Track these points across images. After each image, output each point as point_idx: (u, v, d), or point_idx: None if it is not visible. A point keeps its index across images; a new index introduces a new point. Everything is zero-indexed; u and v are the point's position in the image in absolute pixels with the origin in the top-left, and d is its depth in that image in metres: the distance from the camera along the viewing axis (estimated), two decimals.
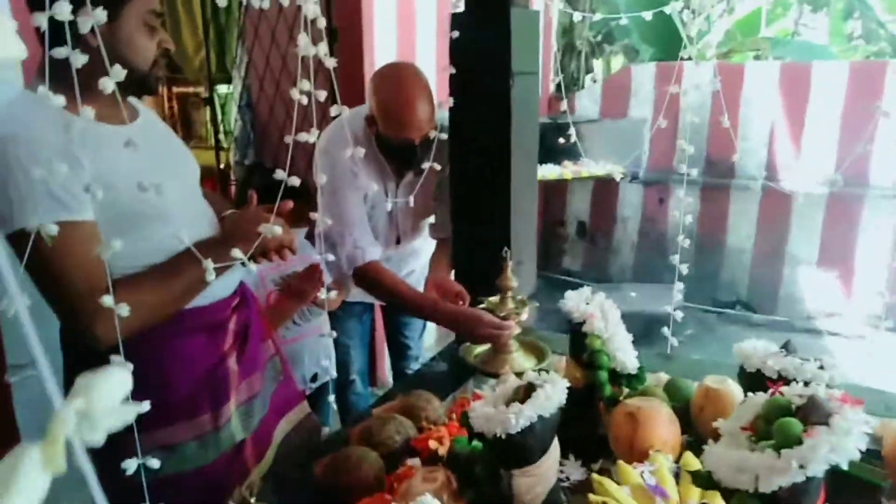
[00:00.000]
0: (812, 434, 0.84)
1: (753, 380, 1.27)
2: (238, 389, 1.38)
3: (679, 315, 2.07)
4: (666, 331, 1.97)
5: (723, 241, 4.42)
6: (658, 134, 4.57)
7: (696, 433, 1.41)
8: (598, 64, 6.27)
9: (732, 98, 4.13)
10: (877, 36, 5.90)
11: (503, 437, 1.06)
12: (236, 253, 1.14)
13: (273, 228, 1.16)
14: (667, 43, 4.82)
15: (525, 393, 1.12)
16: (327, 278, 1.90)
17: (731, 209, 4.33)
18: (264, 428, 1.47)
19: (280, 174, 1.20)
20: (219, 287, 1.32)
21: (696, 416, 1.44)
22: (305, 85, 1.20)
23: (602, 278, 4.73)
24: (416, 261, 2.42)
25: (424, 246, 2.45)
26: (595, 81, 5.19)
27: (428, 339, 2.88)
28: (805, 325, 4.15)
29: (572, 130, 2.17)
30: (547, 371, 1.57)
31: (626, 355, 1.41)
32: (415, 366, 2.60)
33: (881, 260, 3.98)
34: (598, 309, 1.44)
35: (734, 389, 1.42)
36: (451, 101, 1.76)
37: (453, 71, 1.77)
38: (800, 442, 0.85)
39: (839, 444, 0.82)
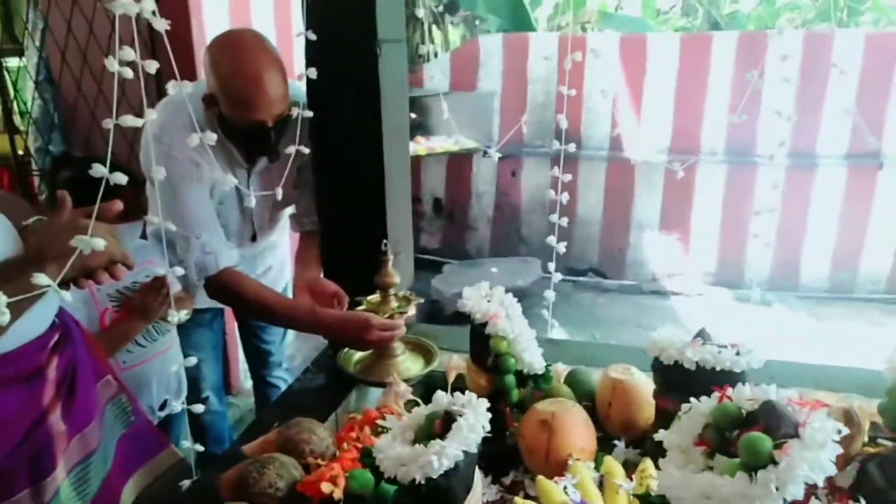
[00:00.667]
0: (785, 451, 0.74)
1: (671, 372, 1.19)
2: (67, 452, 1.07)
3: (552, 295, 2.00)
4: (545, 314, 1.88)
5: (573, 211, 4.52)
6: (507, 107, 4.57)
7: (604, 429, 1.33)
8: (437, 35, 6.15)
9: (576, 69, 4.18)
10: (694, 10, 6.33)
11: (422, 481, 0.88)
12: (42, 279, 0.84)
13: (92, 242, 0.87)
14: (512, 13, 4.79)
15: (443, 424, 0.94)
16: (174, 287, 1.59)
17: (579, 180, 4.43)
18: (107, 490, 1.17)
19: (99, 169, 0.91)
20: (27, 325, 1.00)
21: (603, 411, 1.35)
22: (128, 54, 0.91)
23: (460, 255, 4.68)
24: (273, 256, 2.14)
25: (282, 238, 2.18)
26: (437, 55, 5.07)
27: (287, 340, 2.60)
28: (651, 286, 4.37)
29: (444, 106, 2.00)
30: (461, 391, 1.42)
31: (532, 355, 1.28)
32: (279, 373, 2.34)
33: (713, 221, 4.27)
34: (500, 306, 1.30)
35: (641, 380, 1.36)
36: (308, 74, 1.51)
37: (312, 37, 1.52)
38: (772, 460, 0.75)
39: (816, 460, 0.73)
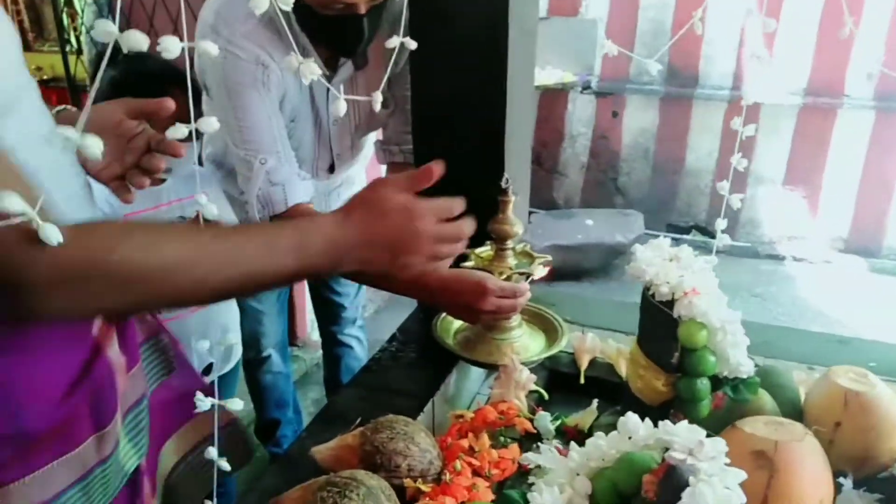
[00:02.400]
0: None
1: None
2: (122, 393, 0.80)
3: (713, 261, 1.56)
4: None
5: (682, 158, 3.97)
6: (613, 36, 3.98)
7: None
8: None
9: None
10: None
11: None
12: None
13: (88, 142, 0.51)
14: None
15: (661, 483, 0.55)
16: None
17: (692, 124, 3.86)
18: (153, 448, 0.89)
19: (104, 26, 0.54)
20: None
21: (826, 434, 0.93)
22: None
23: (546, 204, 4.22)
24: (351, 193, 1.75)
25: (360, 171, 1.80)
26: None
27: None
28: (768, 250, 3.82)
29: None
30: (604, 385, 1.02)
31: (741, 354, 0.86)
32: (352, 331, 2.00)
33: (851, 178, 3.66)
34: (691, 275, 0.87)
35: (885, 394, 0.93)
36: None
37: None
38: None
39: None
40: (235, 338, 0.91)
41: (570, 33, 3.81)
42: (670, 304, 0.85)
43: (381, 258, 0.80)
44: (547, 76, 3.87)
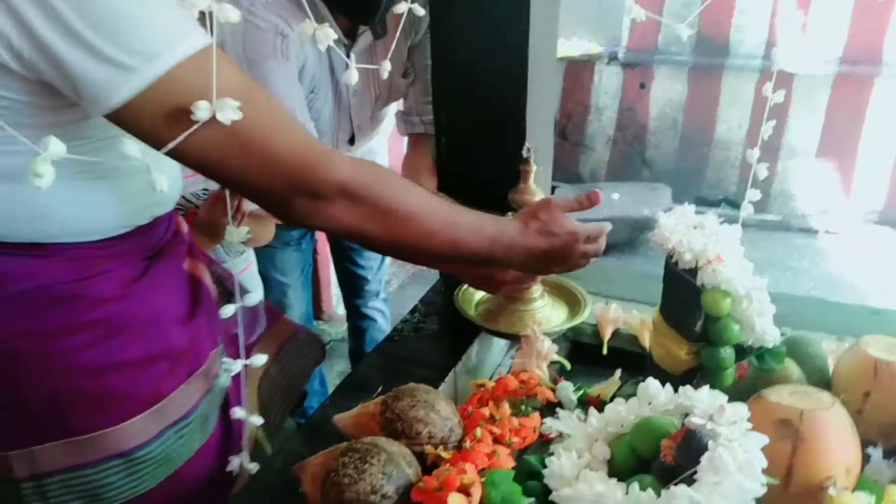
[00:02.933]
0: None
1: None
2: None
3: (737, 231, 1.53)
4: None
5: (711, 130, 3.88)
6: (642, 6, 3.90)
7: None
8: None
9: None
10: None
11: None
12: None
13: None
14: None
15: (680, 448, 0.54)
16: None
17: (722, 95, 3.76)
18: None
19: None
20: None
21: (855, 404, 0.91)
22: None
23: (571, 178, 4.17)
24: None
25: (382, 145, 1.80)
26: None
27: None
28: (800, 223, 3.73)
29: None
30: (625, 355, 1.01)
31: (767, 322, 0.84)
32: (375, 304, 2.01)
33: (887, 149, 3.54)
34: (717, 243, 0.86)
35: None
36: None
37: None
38: None
39: None
40: (257, 297, 0.97)
41: (596, 3, 3.73)
42: (694, 271, 0.83)
43: (539, 266, 0.96)
44: (573, 47, 3.81)
